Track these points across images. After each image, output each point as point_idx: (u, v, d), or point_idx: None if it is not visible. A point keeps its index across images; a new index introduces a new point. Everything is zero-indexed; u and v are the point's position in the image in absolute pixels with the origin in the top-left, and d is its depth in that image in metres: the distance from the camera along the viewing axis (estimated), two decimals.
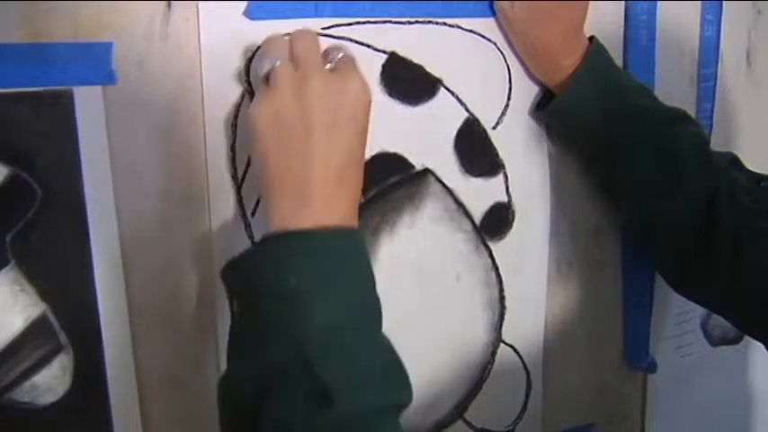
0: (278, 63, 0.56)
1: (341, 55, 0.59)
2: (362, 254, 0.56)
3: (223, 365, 0.56)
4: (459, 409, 0.79)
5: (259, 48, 0.62)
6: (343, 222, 0.55)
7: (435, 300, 0.74)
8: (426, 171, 0.72)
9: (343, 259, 0.55)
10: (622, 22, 0.81)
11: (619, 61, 0.81)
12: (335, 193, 0.55)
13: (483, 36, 0.73)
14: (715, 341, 0.97)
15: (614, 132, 0.74)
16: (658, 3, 0.83)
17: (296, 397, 0.50)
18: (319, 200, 0.54)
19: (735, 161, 0.79)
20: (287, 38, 0.58)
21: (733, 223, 0.73)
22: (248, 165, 0.63)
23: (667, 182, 0.75)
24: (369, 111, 0.58)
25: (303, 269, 0.52)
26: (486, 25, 0.73)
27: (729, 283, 0.74)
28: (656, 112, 0.76)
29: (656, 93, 0.84)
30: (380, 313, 0.56)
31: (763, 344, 0.76)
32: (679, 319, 0.94)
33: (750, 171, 0.78)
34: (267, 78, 0.56)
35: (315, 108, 0.54)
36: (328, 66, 0.58)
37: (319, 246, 0.53)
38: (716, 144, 0.91)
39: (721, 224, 0.73)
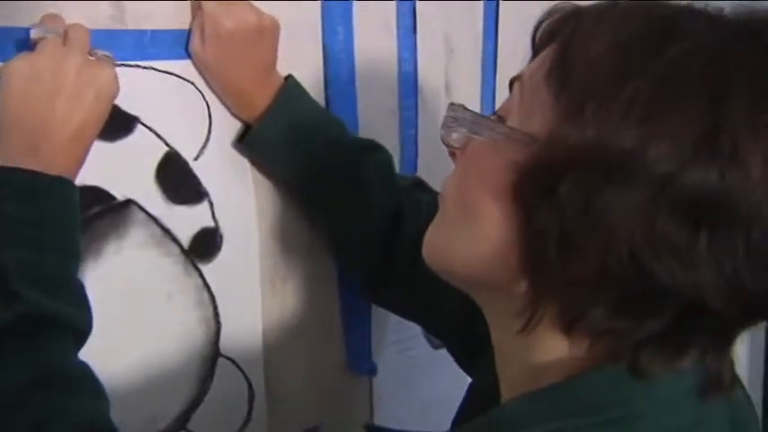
0: (49, 34, 0.66)
1: (104, 54, 0.69)
2: (73, 201, 0.66)
3: None
4: (182, 421, 0.85)
5: None
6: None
7: (148, 319, 0.80)
8: (129, 201, 0.78)
9: (56, 200, 0.64)
10: (322, 62, 0.91)
11: (321, 98, 0.90)
12: (62, 153, 0.65)
13: (180, 77, 0.80)
14: (436, 344, 1.07)
15: (307, 162, 0.83)
16: (355, 43, 0.93)
17: None
18: (48, 153, 0.64)
19: (419, 182, 0.90)
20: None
21: (413, 236, 0.83)
22: None
23: (356, 204, 0.85)
24: (112, 100, 0.69)
25: (21, 199, 0.62)
26: (183, 67, 0.80)
27: (412, 292, 0.84)
28: (346, 143, 0.86)
29: (360, 124, 0.94)
30: (79, 254, 0.66)
31: (445, 344, 0.87)
32: (400, 325, 1.04)
33: (432, 190, 0.89)
34: (35, 44, 0.66)
35: (69, 78, 0.64)
36: (92, 57, 0.68)
37: (38, 184, 0.63)
38: (423, 164, 1.02)
39: (403, 237, 0.83)
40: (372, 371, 0.99)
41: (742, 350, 1.60)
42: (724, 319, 0.47)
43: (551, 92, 0.49)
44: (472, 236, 0.53)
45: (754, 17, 0.48)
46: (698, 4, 0.49)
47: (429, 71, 1.02)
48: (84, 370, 0.62)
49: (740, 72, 0.45)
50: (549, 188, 0.47)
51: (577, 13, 0.52)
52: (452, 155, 0.58)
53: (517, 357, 0.55)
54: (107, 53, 0.70)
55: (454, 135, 0.55)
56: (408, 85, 0.99)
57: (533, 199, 0.48)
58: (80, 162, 0.68)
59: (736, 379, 0.53)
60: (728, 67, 0.45)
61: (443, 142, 0.57)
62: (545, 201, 0.47)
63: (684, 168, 0.44)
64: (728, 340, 0.50)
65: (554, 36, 0.53)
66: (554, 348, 0.52)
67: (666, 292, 0.45)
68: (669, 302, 0.46)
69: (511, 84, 0.55)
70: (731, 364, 0.52)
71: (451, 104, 0.55)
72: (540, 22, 0.56)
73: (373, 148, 0.87)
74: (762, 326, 1.56)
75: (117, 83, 0.68)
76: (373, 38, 0.95)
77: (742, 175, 0.43)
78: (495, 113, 0.56)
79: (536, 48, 0.56)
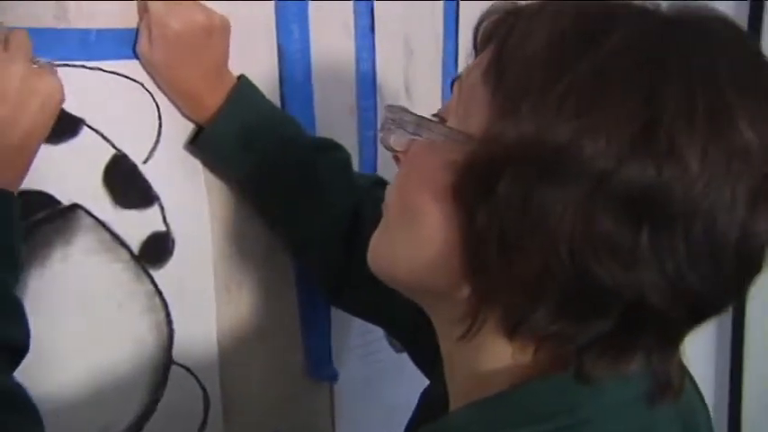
0: None
1: (47, 62, 0.67)
2: (13, 215, 0.63)
3: None
4: (134, 430, 0.82)
5: None
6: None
7: (97, 327, 0.78)
8: (75, 206, 0.76)
9: None
10: (276, 61, 0.89)
11: (276, 98, 0.89)
12: (4, 165, 0.62)
13: (128, 77, 0.78)
14: (398, 348, 1.05)
15: (261, 162, 0.82)
16: (313, 42, 0.91)
17: None
18: None
19: (380, 181, 0.88)
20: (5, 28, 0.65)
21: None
22: None
23: (314, 203, 0.83)
24: (58, 109, 0.66)
25: None
26: (131, 67, 0.78)
27: (372, 293, 0.82)
28: (300, 143, 0.84)
29: (318, 124, 0.93)
30: (18, 270, 0.64)
31: (405, 349, 0.86)
32: (363, 329, 1.02)
33: None
34: None
35: (12, 86, 0.61)
36: (35, 66, 0.65)
37: None
38: (382, 166, 1.01)
39: (364, 237, 0.81)
40: (333, 377, 0.97)
41: (708, 350, 1.60)
42: (668, 320, 0.46)
43: (488, 90, 0.49)
44: (414, 239, 0.52)
45: (688, 12, 0.48)
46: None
47: (388, 72, 1.00)
48: (19, 391, 0.60)
49: (675, 66, 0.44)
50: (487, 187, 0.46)
51: (515, 11, 0.51)
52: (396, 159, 0.56)
53: (464, 365, 0.54)
54: (50, 60, 0.67)
55: (393, 137, 0.54)
56: (367, 85, 0.98)
57: (473, 199, 0.47)
58: (22, 174, 0.65)
59: (685, 383, 0.52)
60: (663, 61, 0.44)
61: (384, 145, 0.55)
62: (484, 200, 0.46)
63: (621, 164, 0.43)
64: (674, 342, 0.49)
65: (492, 36, 0.52)
66: (499, 355, 0.51)
67: (608, 293, 0.44)
68: (612, 304, 0.45)
69: (452, 84, 0.54)
70: (680, 367, 0.51)
71: (389, 106, 0.54)
72: (479, 23, 0.55)
73: (330, 146, 0.86)
74: (728, 326, 1.54)
75: (62, 92, 0.66)
76: (331, 38, 0.94)
77: (680, 171, 0.43)
78: (435, 114, 0.55)
79: (476, 49, 0.55)
